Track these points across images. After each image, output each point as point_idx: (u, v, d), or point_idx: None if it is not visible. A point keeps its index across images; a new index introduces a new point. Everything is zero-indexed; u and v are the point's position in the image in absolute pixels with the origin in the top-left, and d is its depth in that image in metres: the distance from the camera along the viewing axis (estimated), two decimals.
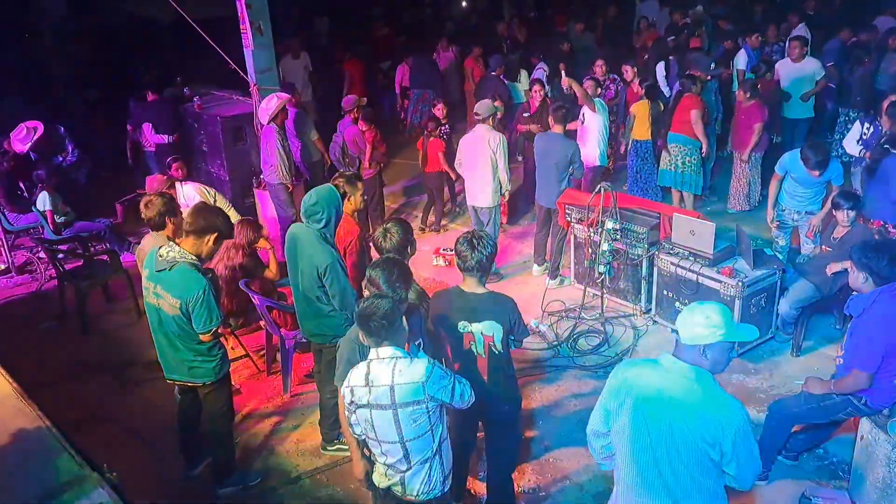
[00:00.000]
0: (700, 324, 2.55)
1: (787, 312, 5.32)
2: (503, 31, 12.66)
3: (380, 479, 3.13)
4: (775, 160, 6.16)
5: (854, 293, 3.90)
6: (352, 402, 2.99)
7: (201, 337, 3.88)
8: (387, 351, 2.93)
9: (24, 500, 2.46)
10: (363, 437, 3.09)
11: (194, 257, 3.80)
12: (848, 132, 7.09)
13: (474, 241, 3.41)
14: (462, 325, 3.49)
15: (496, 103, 7.07)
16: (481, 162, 6.38)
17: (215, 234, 3.85)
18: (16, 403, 2.95)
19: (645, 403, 2.62)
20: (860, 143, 6.70)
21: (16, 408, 2.93)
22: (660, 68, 9.12)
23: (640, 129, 7.77)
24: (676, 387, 2.57)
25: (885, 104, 6.42)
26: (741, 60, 9.13)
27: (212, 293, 3.80)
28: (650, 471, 2.65)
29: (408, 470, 3.02)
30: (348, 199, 4.59)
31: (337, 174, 4.82)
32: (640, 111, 7.74)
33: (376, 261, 3.45)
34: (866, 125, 6.69)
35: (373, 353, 2.96)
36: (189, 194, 6.41)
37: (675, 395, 2.56)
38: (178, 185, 6.44)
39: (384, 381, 2.88)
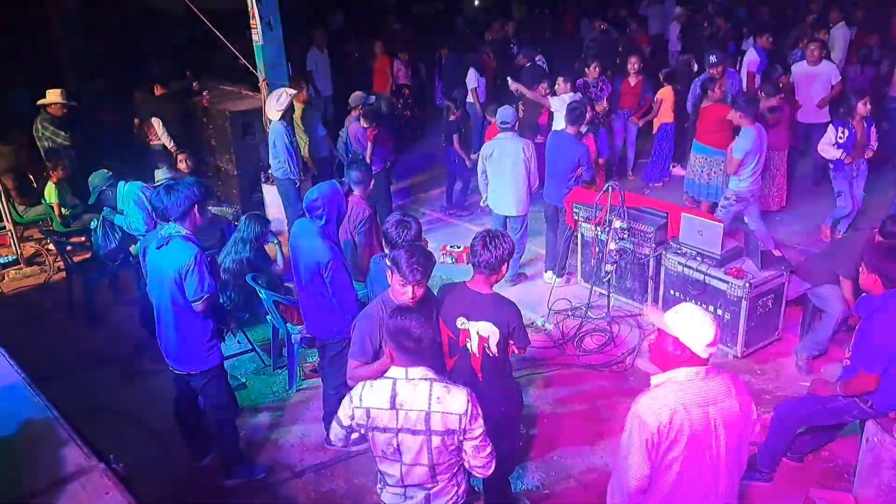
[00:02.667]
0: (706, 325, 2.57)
1: None
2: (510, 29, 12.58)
3: (394, 500, 2.95)
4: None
5: (863, 294, 3.88)
6: (365, 425, 2.78)
7: (194, 306, 3.86)
8: (418, 372, 2.74)
9: (31, 489, 2.47)
10: (377, 456, 2.90)
11: (188, 231, 3.84)
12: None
13: (488, 239, 3.39)
14: (460, 321, 3.46)
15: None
16: (511, 170, 6.14)
17: (196, 206, 3.85)
18: (24, 393, 2.97)
19: (700, 425, 2.57)
20: (837, 147, 6.66)
21: (24, 398, 2.95)
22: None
23: (667, 113, 8.41)
24: (721, 397, 2.59)
25: (860, 107, 6.54)
26: (752, 62, 8.90)
27: (204, 262, 3.80)
28: (709, 486, 2.65)
29: (433, 487, 2.89)
30: (359, 186, 4.72)
31: (350, 160, 4.86)
32: (667, 96, 8.35)
33: (404, 247, 3.45)
34: (841, 129, 6.65)
35: (398, 371, 2.77)
36: (126, 196, 5.82)
37: (723, 405, 2.58)
38: (121, 184, 5.94)
39: (419, 406, 2.70)
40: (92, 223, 6.25)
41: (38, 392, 2.95)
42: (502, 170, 6.18)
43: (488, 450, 2.86)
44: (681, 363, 2.61)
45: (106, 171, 6.04)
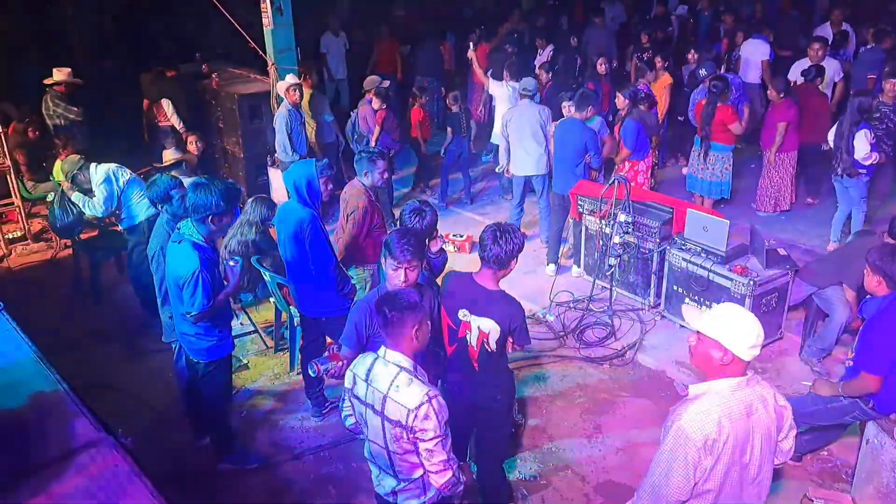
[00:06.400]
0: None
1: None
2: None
3: (373, 478, 3.04)
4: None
5: (868, 296, 3.90)
6: (350, 388, 2.91)
7: (186, 316, 3.89)
8: (394, 356, 2.78)
9: (41, 459, 2.50)
10: (356, 427, 3.00)
11: (201, 238, 3.82)
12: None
13: (498, 233, 3.27)
14: (462, 314, 3.39)
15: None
16: (531, 133, 6.74)
17: (210, 216, 3.78)
18: (34, 367, 3.00)
19: (741, 437, 2.48)
20: (872, 149, 6.41)
21: (34, 371, 2.97)
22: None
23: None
24: (761, 406, 2.51)
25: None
26: (763, 51, 8.83)
27: (203, 278, 3.74)
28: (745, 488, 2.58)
29: (398, 485, 2.90)
30: (365, 174, 4.72)
31: (361, 149, 4.88)
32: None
33: (395, 229, 3.45)
34: (868, 131, 6.35)
35: (382, 349, 2.84)
36: (98, 177, 5.77)
37: (761, 415, 2.52)
38: (92, 166, 5.83)
39: (381, 387, 2.75)
40: (49, 196, 6.20)
41: (48, 365, 2.98)
42: (522, 133, 6.78)
43: (442, 457, 2.77)
44: (724, 367, 2.47)
45: (76, 156, 5.98)
